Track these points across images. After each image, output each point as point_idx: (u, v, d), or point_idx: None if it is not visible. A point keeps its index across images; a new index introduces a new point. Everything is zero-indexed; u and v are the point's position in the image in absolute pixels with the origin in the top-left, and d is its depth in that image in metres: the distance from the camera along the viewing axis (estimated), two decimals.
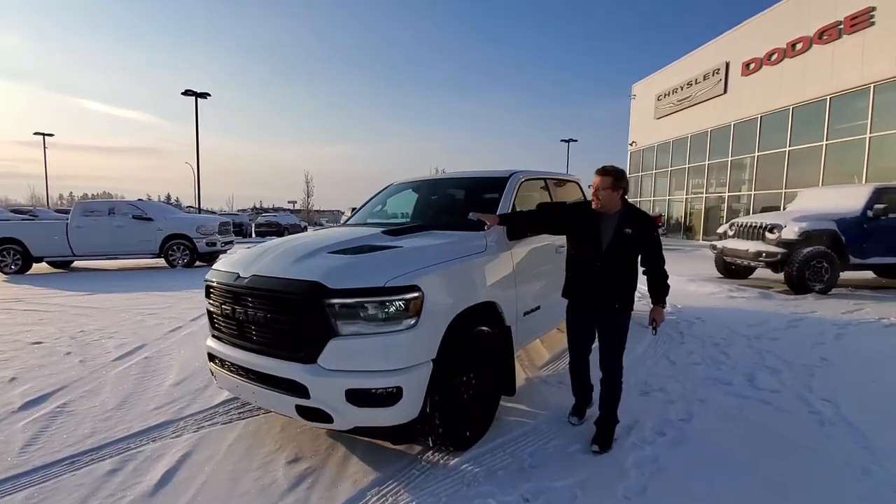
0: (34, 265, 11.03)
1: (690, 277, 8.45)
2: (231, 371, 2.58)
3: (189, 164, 64.87)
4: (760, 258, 7.24)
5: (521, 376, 3.79)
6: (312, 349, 2.22)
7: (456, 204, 3.70)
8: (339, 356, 2.20)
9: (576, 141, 38.98)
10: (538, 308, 3.41)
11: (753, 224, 7.66)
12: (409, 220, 3.71)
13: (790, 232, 7.01)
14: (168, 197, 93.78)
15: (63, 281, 9.49)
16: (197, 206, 26.22)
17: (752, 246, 7.44)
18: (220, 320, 2.66)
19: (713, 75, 19.61)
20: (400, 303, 2.22)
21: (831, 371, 3.86)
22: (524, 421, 3.00)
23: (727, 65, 18.91)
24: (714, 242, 8.56)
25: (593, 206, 2.64)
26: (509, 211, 3.23)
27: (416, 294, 2.24)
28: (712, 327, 5.28)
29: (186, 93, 22.65)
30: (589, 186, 3.29)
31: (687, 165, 21.77)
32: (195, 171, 24.31)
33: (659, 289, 2.65)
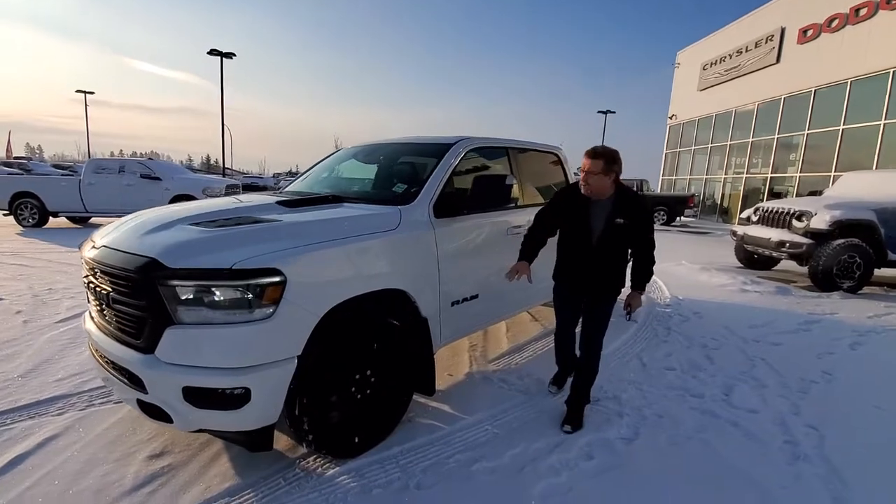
0: (52, 219, 11.33)
1: (705, 265, 7.70)
2: (95, 353, 2.29)
3: (228, 127, 66.03)
4: (783, 249, 6.45)
5: (461, 370, 3.40)
6: (150, 338, 1.89)
7: (388, 173, 3.24)
8: (176, 348, 1.86)
9: (613, 113, 37.02)
10: (475, 297, 2.97)
11: (780, 210, 6.81)
12: (344, 188, 3.28)
13: (820, 221, 6.16)
14: (207, 158, 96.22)
15: (70, 236, 9.64)
16: (222, 167, 26.55)
17: (776, 234, 6.63)
18: (86, 295, 2.37)
19: (766, 42, 17.73)
20: (251, 289, 1.84)
21: (830, 390, 3.27)
22: (438, 426, 2.62)
23: (782, 31, 17.02)
24: (735, 228, 7.73)
25: (583, 191, 2.47)
26: (440, 186, 2.75)
27: (273, 279, 1.86)
28: (708, 325, 4.69)
29: (212, 52, 22.56)
30: (577, 171, 2.80)
31: (729, 143, 20.14)
32: (222, 133, 24.48)
33: (642, 274, 2.55)
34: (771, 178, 17.56)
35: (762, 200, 16.53)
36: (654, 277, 6.77)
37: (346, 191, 3.14)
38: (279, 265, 1.88)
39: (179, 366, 1.86)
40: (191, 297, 1.84)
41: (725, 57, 20.32)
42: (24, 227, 10.91)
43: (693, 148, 23.22)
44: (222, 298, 1.84)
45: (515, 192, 3.36)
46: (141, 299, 1.89)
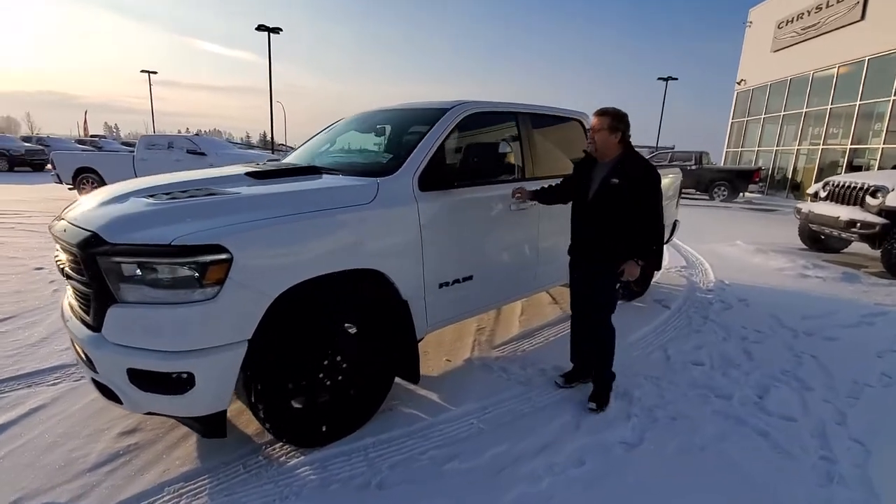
0: None
1: (762, 246, 6.95)
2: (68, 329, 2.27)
3: (280, 103, 67.80)
4: (853, 229, 5.65)
5: (461, 355, 3.18)
6: (96, 316, 1.80)
7: (379, 142, 3.00)
8: (121, 327, 1.76)
9: (675, 79, 34.39)
10: (469, 278, 2.71)
11: (852, 185, 5.96)
12: (337, 159, 3.08)
13: None
14: (263, 135, 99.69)
15: None
16: (271, 143, 27.26)
17: (846, 212, 5.81)
18: None
19: None
20: (192, 267, 1.69)
21: (887, 396, 2.78)
22: (419, 417, 2.43)
23: None
24: (800, 205, 6.88)
25: (588, 149, 2.49)
26: (429, 155, 2.48)
27: (217, 256, 1.70)
28: (754, 314, 4.17)
29: (260, 28, 22.89)
30: (588, 132, 2.53)
31: (804, 110, 18.11)
32: (271, 109, 25.02)
33: (636, 241, 2.37)
34: (851, 149, 15.69)
35: (840, 174, 14.89)
36: (699, 259, 6.31)
37: (338, 162, 2.94)
38: (224, 241, 1.72)
39: (123, 346, 1.76)
40: (131, 273, 1.72)
41: (803, 14, 18.11)
42: None
43: (763, 116, 21.18)
44: (163, 276, 1.71)
45: (518, 161, 3.03)
46: (84, 275, 1.79)
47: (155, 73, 37.84)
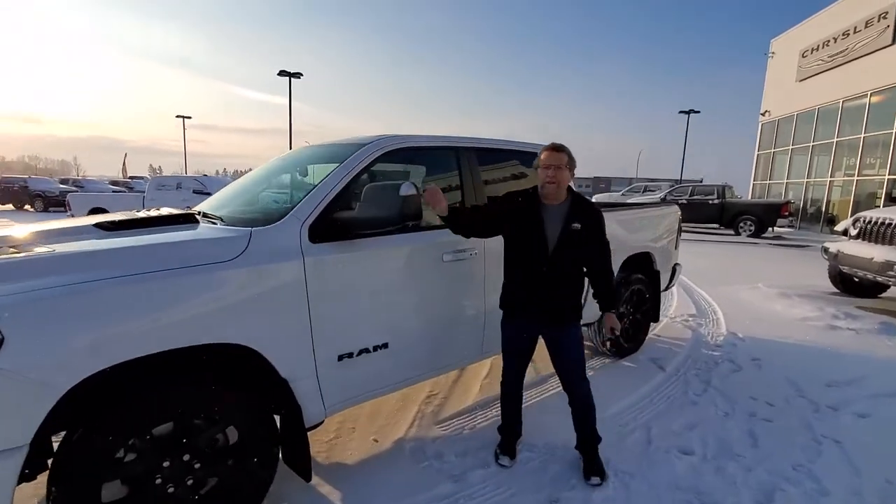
0: None
1: (786, 290, 6.18)
2: None
3: (307, 142, 70.19)
4: (890, 272, 4.88)
5: (395, 432, 2.65)
6: None
7: (288, 185, 2.60)
8: None
9: (698, 112, 33.76)
10: (384, 347, 2.22)
11: (886, 221, 5.22)
12: (250, 203, 2.69)
13: None
14: None
15: None
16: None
17: (880, 253, 5.05)
18: None
19: (878, 21, 14.82)
20: None
21: None
22: None
23: None
24: (828, 244, 6.12)
25: (543, 192, 2.19)
26: (326, 199, 2.06)
27: None
28: (767, 379, 3.49)
29: (281, 73, 23.78)
30: (536, 167, 2.15)
31: (836, 140, 17.15)
32: (290, 146, 25.61)
33: (609, 294, 2.30)
34: (890, 180, 14.62)
35: (878, 207, 13.80)
36: (712, 305, 5.61)
37: (238, 208, 2.53)
38: None
39: None
40: None
41: (829, 41, 17.48)
42: None
43: (791, 147, 20.26)
44: None
45: (458, 202, 2.57)
46: None
47: (189, 117, 39.74)
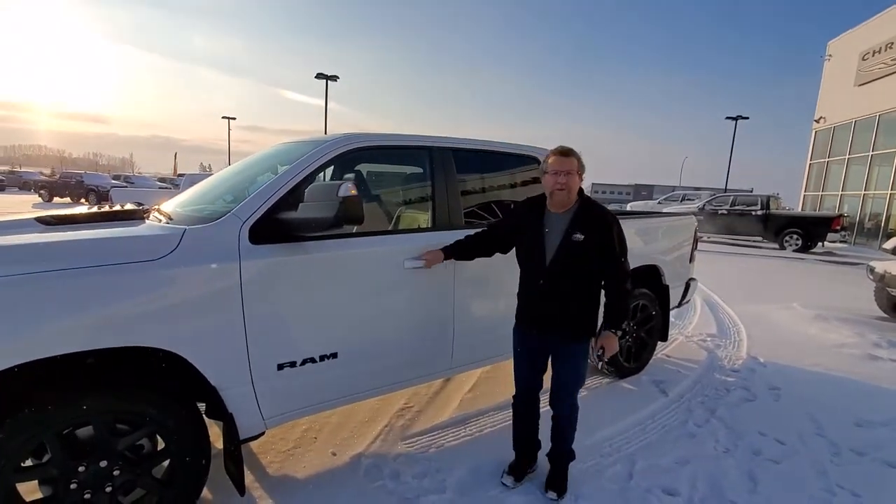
0: None
1: (824, 311, 5.63)
2: None
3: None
4: None
5: (354, 447, 2.50)
6: None
7: (250, 184, 2.49)
8: None
9: (746, 118, 32.10)
10: (333, 357, 2.08)
11: None
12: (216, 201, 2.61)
13: None
14: None
15: None
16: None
17: None
18: None
19: None
20: None
21: None
22: None
23: None
24: (873, 263, 5.54)
25: (553, 200, 2.07)
26: (272, 199, 1.94)
27: None
28: (784, 412, 3.13)
29: (318, 76, 24.32)
30: (543, 173, 2.12)
31: None
32: None
33: (614, 309, 2.08)
34: None
35: None
36: (737, 324, 5.17)
37: (197, 207, 2.44)
38: None
39: None
40: None
41: (892, 43, 16.19)
42: None
43: (847, 157, 18.89)
44: None
45: (428, 208, 2.41)
46: None
47: (234, 118, 41.32)
